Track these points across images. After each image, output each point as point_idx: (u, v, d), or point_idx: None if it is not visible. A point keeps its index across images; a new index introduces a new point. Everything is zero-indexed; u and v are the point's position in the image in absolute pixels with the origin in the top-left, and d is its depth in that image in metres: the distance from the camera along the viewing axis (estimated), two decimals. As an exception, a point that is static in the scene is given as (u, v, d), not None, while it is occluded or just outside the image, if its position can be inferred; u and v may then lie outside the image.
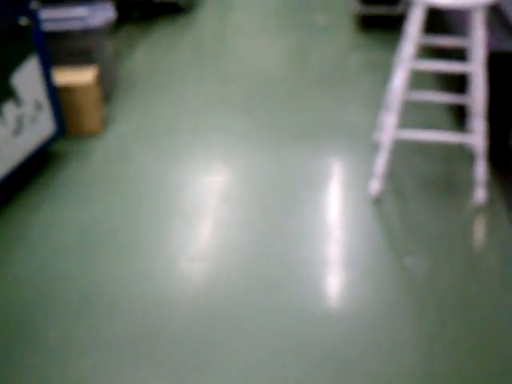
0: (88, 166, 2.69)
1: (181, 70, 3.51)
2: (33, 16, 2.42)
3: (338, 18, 4.11)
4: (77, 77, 2.80)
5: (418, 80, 3.04)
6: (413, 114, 2.85)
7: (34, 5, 2.42)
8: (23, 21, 2.37)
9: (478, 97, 2.39)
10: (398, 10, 3.37)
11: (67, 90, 2.76)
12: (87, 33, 2.88)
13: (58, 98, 2.63)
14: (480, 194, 2.43)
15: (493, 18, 3.19)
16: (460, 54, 2.81)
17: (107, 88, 3.12)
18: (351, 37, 3.83)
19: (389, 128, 2.42)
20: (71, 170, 2.66)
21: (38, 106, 2.50)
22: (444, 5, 2.28)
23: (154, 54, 3.73)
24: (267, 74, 3.48)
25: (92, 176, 2.63)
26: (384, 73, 3.24)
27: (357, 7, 3.87)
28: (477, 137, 2.38)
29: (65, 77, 2.79)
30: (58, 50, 2.91)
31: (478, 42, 2.33)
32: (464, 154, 2.56)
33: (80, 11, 2.98)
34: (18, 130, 2.40)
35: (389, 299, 1.94)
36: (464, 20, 2.98)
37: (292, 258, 2.12)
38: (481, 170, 2.40)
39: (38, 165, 2.68)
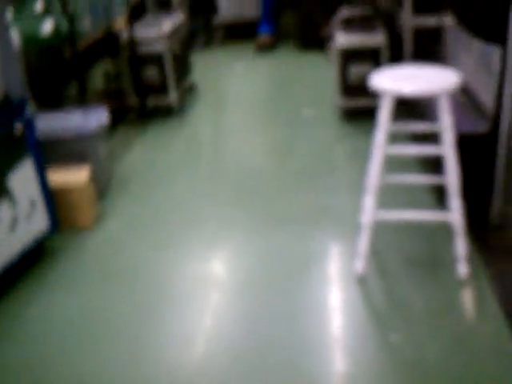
0: (80, 261, 2.77)
1: (173, 168, 3.68)
2: (27, 122, 2.60)
3: (323, 110, 4.33)
4: (71, 177, 2.95)
5: (399, 161, 3.18)
6: (394, 195, 2.96)
7: (28, 112, 2.61)
8: (19, 126, 2.55)
9: (452, 177, 2.51)
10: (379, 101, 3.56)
11: (61, 189, 2.90)
12: (82, 138, 3.06)
13: (52, 196, 2.76)
14: (462, 270, 2.48)
15: (464, 98, 3.38)
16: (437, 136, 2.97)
17: (101, 186, 3.26)
18: (335, 128, 4.03)
19: (368, 210, 2.52)
20: (64, 264, 2.75)
21: (33, 205, 2.63)
22: (409, 94, 2.46)
23: (148, 153, 3.92)
24: (255, 168, 3.64)
25: (85, 270, 2.71)
26: (367, 160, 3.39)
27: (339, 101, 4.09)
28: (454, 215, 2.47)
29: (59, 177, 2.94)
30: (53, 152, 3.07)
31: (446, 126, 2.48)
32: (447, 230, 2.64)
33: (75, 116, 3.18)
34: (12, 227, 2.51)
35: (375, 376, 1.95)
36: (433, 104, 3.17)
37: (277, 338, 2.16)
38: (461, 246, 2.48)
39: (32, 259, 2.77)
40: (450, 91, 2.41)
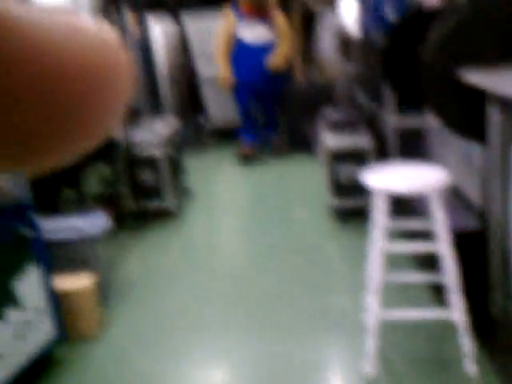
0: (85, 370, 2.74)
1: (172, 271, 3.72)
2: (33, 225, 2.66)
3: (315, 211, 4.45)
4: (74, 282, 2.97)
5: (397, 259, 3.25)
6: (391, 292, 3.02)
7: (34, 215, 2.67)
8: (24, 231, 2.60)
9: (450, 274, 2.58)
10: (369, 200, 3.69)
11: (66, 295, 2.91)
12: (84, 242, 3.11)
13: (57, 303, 2.77)
14: (470, 367, 2.50)
15: (451, 195, 3.52)
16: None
17: (103, 292, 3.27)
18: (328, 228, 4.13)
19: (372, 309, 2.56)
20: (69, 373, 2.71)
21: (39, 312, 2.63)
22: (400, 193, 2.58)
23: (147, 257, 3.96)
24: (251, 269, 3.70)
25: (90, 379, 2.67)
26: (362, 259, 3.47)
27: (330, 200, 4.22)
28: (456, 313, 2.52)
29: (62, 282, 2.96)
30: (57, 257, 3.11)
31: (439, 224, 2.59)
32: (450, 326, 2.68)
33: (77, 221, 3.25)
34: (18, 336, 2.50)
35: None
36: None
37: None
38: (466, 343, 2.51)
39: (37, 370, 2.73)
40: (442, 188, 2.54)
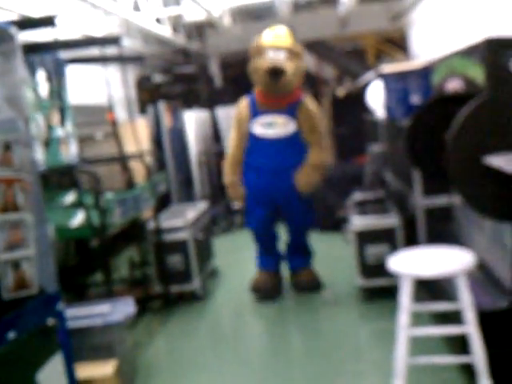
0: None
1: (197, 357, 3.65)
2: (59, 316, 2.68)
3: (343, 291, 4.38)
4: (98, 370, 2.95)
5: (425, 339, 3.15)
6: (424, 376, 2.90)
7: (60, 306, 2.70)
8: (50, 322, 2.62)
9: (477, 355, 2.49)
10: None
11: (88, 383, 2.89)
12: (108, 328, 3.12)
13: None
14: None
15: (480, 274, 3.43)
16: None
17: (127, 378, 3.24)
18: (357, 309, 4.05)
19: (398, 395, 2.46)
20: None
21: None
22: (427, 277, 2.54)
23: (172, 342, 3.92)
24: (279, 352, 3.61)
25: None
26: (392, 341, 3.37)
27: (358, 281, 4.16)
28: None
29: (86, 370, 2.95)
30: (80, 344, 3.11)
31: (466, 306, 2.52)
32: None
33: (102, 308, 3.27)
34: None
35: None
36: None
37: None
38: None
39: None
40: (466, 272, 2.49)
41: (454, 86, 3.66)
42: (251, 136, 4.52)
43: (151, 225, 4.51)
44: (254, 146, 4.53)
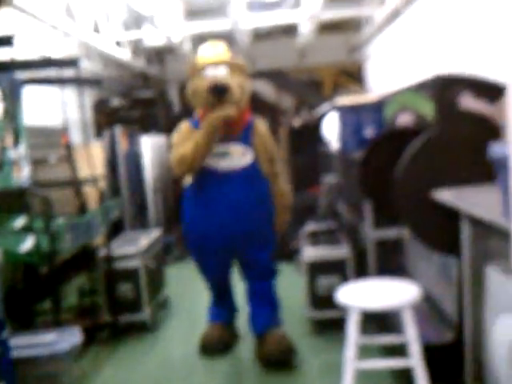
0: None
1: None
2: (3, 345, 2.61)
3: (293, 322, 4.37)
4: None
5: (374, 373, 3.17)
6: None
7: (5, 334, 2.63)
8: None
9: (423, 390, 2.53)
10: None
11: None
12: (54, 358, 3.04)
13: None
14: None
15: (427, 307, 3.50)
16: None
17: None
18: (306, 341, 4.04)
19: (343, 429, 2.48)
20: None
21: None
22: (374, 308, 2.58)
23: (121, 373, 3.84)
24: None
25: None
26: (340, 373, 3.40)
27: (308, 312, 4.18)
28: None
29: None
30: (25, 374, 3.03)
31: (411, 338, 2.57)
32: None
33: (48, 337, 3.19)
34: None
35: None
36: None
37: None
38: None
39: None
40: (411, 305, 2.54)
41: (405, 120, 3.78)
42: (201, 171, 3.73)
43: (102, 252, 4.45)
44: (202, 180, 3.75)
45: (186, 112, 9.46)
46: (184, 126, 3.87)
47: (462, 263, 2.82)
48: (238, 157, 3.75)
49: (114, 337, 4.33)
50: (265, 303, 3.96)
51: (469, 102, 3.03)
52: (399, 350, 2.82)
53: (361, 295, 2.63)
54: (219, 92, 3.58)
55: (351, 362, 2.57)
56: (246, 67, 3.84)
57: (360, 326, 2.61)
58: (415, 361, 2.56)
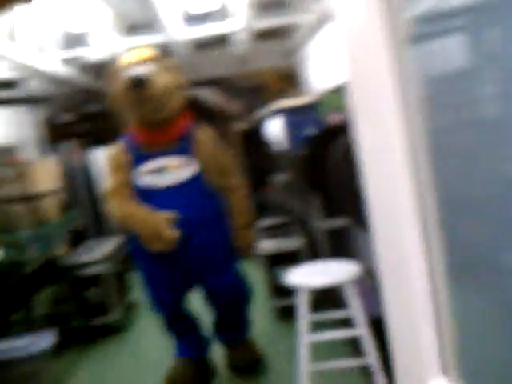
0: None
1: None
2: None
3: (260, 311, 4.64)
4: None
5: (330, 347, 3.44)
6: (328, 380, 3.21)
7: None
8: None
9: (371, 356, 2.84)
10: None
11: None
12: (29, 359, 3.24)
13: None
14: None
15: (375, 284, 3.80)
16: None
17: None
18: (271, 327, 4.33)
19: (300, 395, 2.77)
20: None
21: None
22: (319, 285, 2.88)
23: (94, 374, 4.04)
24: None
25: None
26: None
27: (271, 301, 4.48)
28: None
29: None
30: (2, 376, 3.21)
31: (355, 310, 2.88)
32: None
33: (23, 341, 3.39)
34: None
35: None
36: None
37: None
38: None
39: None
40: (352, 280, 2.86)
41: (337, 118, 4.14)
42: (137, 190, 3.30)
43: (67, 260, 4.64)
44: (139, 201, 3.29)
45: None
46: (116, 148, 3.41)
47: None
48: (175, 171, 3.27)
49: (87, 340, 4.54)
50: (234, 326, 3.66)
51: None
52: (351, 325, 3.11)
53: (307, 275, 2.93)
54: (136, 85, 3.07)
55: (303, 335, 2.87)
56: (178, 65, 3.42)
57: (310, 304, 2.90)
58: (362, 330, 2.87)
